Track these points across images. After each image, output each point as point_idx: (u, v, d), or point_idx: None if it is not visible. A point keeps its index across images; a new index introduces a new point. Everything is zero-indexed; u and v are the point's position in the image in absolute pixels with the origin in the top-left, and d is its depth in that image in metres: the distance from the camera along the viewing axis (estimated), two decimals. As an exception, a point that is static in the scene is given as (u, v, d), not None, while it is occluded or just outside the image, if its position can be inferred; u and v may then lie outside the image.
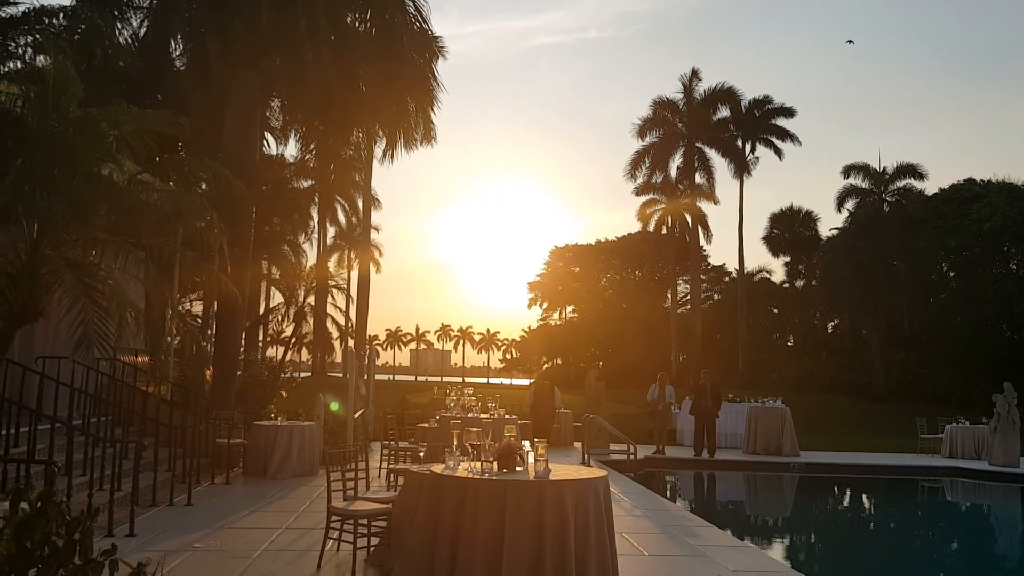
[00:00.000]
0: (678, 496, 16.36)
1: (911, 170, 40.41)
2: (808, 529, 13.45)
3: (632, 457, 16.82)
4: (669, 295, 51.73)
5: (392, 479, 10.40)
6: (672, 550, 8.18)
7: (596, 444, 17.22)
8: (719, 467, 18.59)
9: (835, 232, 44.92)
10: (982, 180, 42.89)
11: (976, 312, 38.67)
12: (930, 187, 42.67)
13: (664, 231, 48.44)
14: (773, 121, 45.45)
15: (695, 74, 45.17)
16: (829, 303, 45.41)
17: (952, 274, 42.74)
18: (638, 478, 15.06)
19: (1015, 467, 18.77)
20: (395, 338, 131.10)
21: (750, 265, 49.65)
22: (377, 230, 50.41)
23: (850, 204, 42.41)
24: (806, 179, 74.06)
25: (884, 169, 41.14)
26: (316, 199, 38.84)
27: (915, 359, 37.96)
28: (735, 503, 16.86)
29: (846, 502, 17.16)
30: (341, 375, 38.69)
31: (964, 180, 43.53)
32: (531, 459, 6.08)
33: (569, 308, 59.89)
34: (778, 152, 45.03)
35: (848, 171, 41.62)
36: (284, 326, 25.68)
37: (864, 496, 17.68)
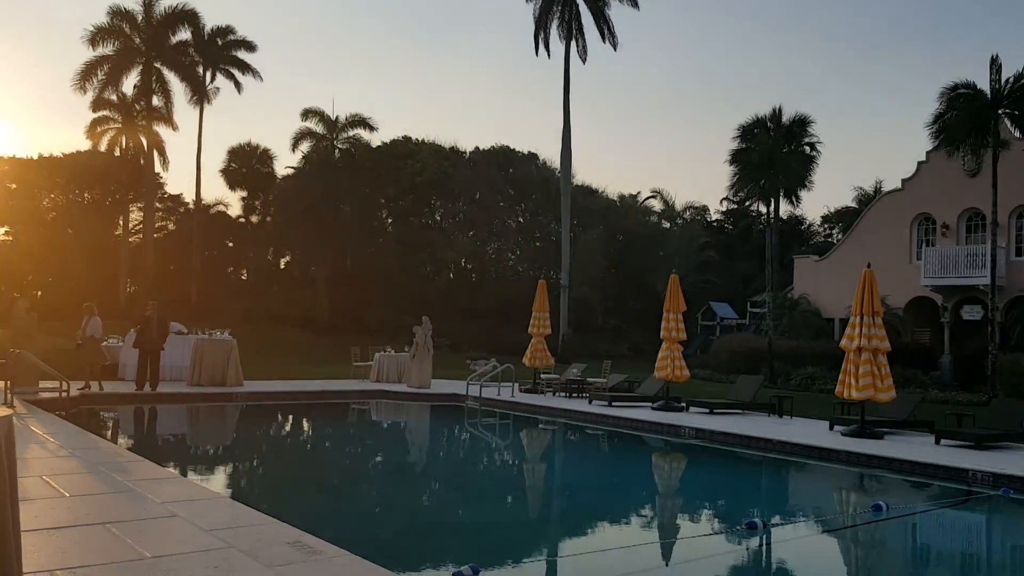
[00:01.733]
0: (115, 433, 15.55)
1: (362, 121, 43.82)
2: (249, 456, 14.08)
3: (65, 395, 15.49)
4: (121, 222, 47.72)
5: None
6: (98, 488, 7.87)
7: (25, 382, 15.43)
8: (161, 400, 18.16)
9: (290, 171, 46.46)
10: (416, 139, 48.62)
11: (407, 256, 44.15)
12: (376, 139, 46.94)
13: (118, 153, 44.34)
14: (235, 53, 44.64)
15: (156, -14, 41.76)
16: (282, 240, 47.03)
17: (390, 220, 47.89)
18: (71, 417, 13.92)
19: (427, 388, 22.22)
20: None
21: (207, 197, 48.38)
22: None
23: (305, 146, 44.31)
24: (266, 117, 74.75)
25: (338, 117, 43.84)
26: None
27: (355, 295, 41.73)
28: (175, 436, 16.72)
29: (286, 427, 18.31)
30: None
31: (402, 137, 48.79)
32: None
33: (1, 230, 50.99)
34: (238, 85, 44.51)
35: (306, 114, 43.32)
36: None
37: (303, 420, 19.09)
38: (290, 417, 19.24)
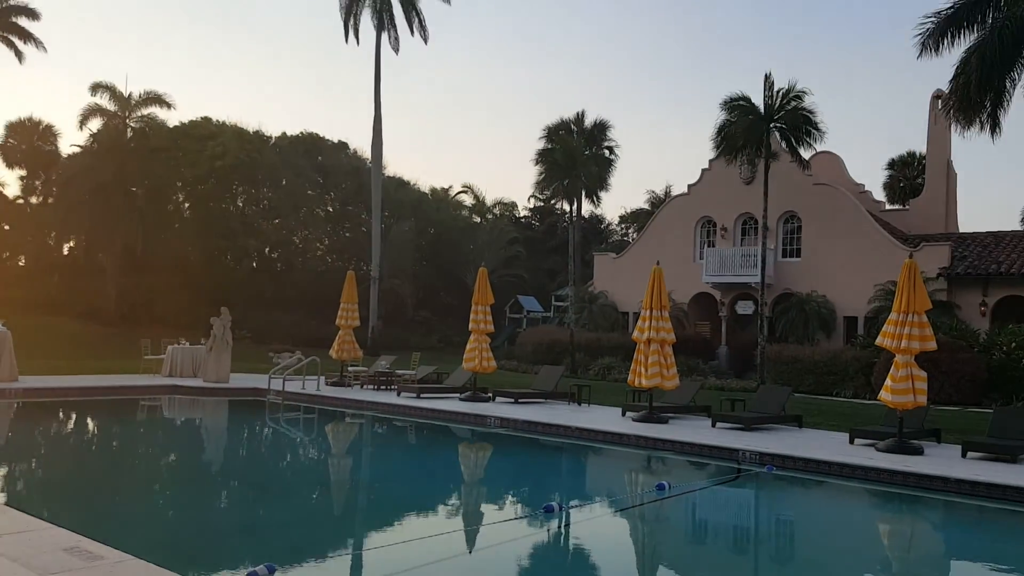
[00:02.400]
0: None
1: (157, 99, 40.92)
2: (25, 458, 12.86)
3: None
4: None
5: None
6: None
7: None
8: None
9: (77, 150, 42.63)
10: (219, 120, 46.15)
11: (205, 242, 41.82)
12: (173, 119, 44.03)
13: None
14: (15, 19, 40.19)
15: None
16: (66, 224, 43.05)
17: (187, 205, 45.15)
18: None
19: (225, 382, 21.29)
20: None
21: (-24, 174, 43.31)
22: None
23: (94, 124, 40.80)
24: (52, 91, 67.74)
25: (131, 94, 40.72)
26: None
27: (147, 284, 39.04)
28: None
29: (67, 426, 16.91)
30: None
31: (202, 118, 46.09)
32: None
33: None
34: (19, 55, 40.13)
35: (95, 89, 39.83)
36: None
37: (86, 418, 17.70)
38: (72, 415, 17.78)
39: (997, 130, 23.22)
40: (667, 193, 47.27)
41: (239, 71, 78.11)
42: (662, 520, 10.00)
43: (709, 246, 32.18)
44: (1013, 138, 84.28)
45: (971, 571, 8.55)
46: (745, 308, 30.61)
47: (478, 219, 52.49)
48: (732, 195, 31.56)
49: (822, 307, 28.10)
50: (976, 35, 22.99)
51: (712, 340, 31.33)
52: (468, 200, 53.88)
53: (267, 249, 45.28)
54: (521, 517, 9.72)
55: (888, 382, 12.99)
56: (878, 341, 13.80)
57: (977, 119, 23.09)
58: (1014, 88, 23.17)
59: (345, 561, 7.51)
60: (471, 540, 8.46)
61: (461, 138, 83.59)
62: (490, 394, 19.54)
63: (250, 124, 48.18)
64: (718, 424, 15.62)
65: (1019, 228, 33.58)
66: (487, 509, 10.52)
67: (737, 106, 25.99)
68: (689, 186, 33.49)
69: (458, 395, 19.51)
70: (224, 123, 45.44)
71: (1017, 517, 10.02)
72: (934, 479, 10.90)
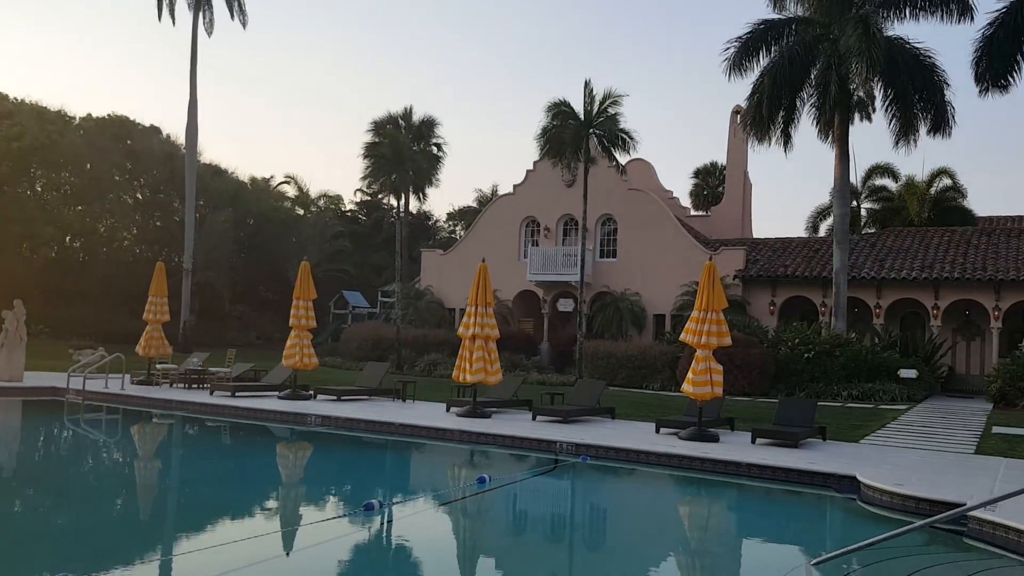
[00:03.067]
0: None
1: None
2: None
3: None
4: None
5: None
6: None
7: None
8: None
9: None
10: (16, 98, 41.96)
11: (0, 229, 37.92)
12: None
13: None
14: None
15: None
16: None
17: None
18: None
19: (19, 381, 19.53)
20: None
21: None
22: None
23: None
24: None
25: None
26: None
27: (-79, 274, 34.78)
28: None
29: None
30: None
31: (-6, 93, 41.72)
32: None
33: None
34: None
35: None
36: None
37: None
38: None
39: (789, 145, 25.68)
40: (494, 192, 48.16)
41: (39, 46, 71.38)
42: (482, 513, 10.28)
43: (533, 245, 33.16)
44: (802, 152, 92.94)
45: (757, 546, 9.48)
46: (566, 306, 31.84)
47: (301, 211, 50.98)
48: (555, 196, 32.71)
49: (635, 305, 29.77)
50: (770, 58, 25.27)
51: (535, 336, 32.33)
52: (291, 191, 52.22)
53: (68, 238, 41.67)
54: (340, 516, 9.67)
55: (689, 375, 14.05)
56: (681, 337, 14.89)
57: (769, 135, 25.38)
58: (803, 107, 25.70)
59: (152, 568, 7.17)
60: (287, 542, 8.32)
61: (284, 128, 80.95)
62: (311, 392, 19.16)
63: (52, 103, 44.21)
64: (538, 417, 16.21)
65: (804, 235, 37.15)
66: (305, 510, 10.35)
67: (560, 111, 26.98)
68: (515, 186, 34.33)
69: (277, 393, 18.97)
70: (23, 101, 41.47)
71: (799, 496, 11.17)
72: (728, 464, 11.93)
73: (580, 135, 26.79)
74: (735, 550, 9.34)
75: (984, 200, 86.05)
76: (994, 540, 8.06)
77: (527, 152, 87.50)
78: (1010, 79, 22.75)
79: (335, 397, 18.80)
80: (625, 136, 26.81)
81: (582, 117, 26.78)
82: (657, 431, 14.62)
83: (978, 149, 69.58)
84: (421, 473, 13.84)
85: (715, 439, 13.72)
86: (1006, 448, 13.74)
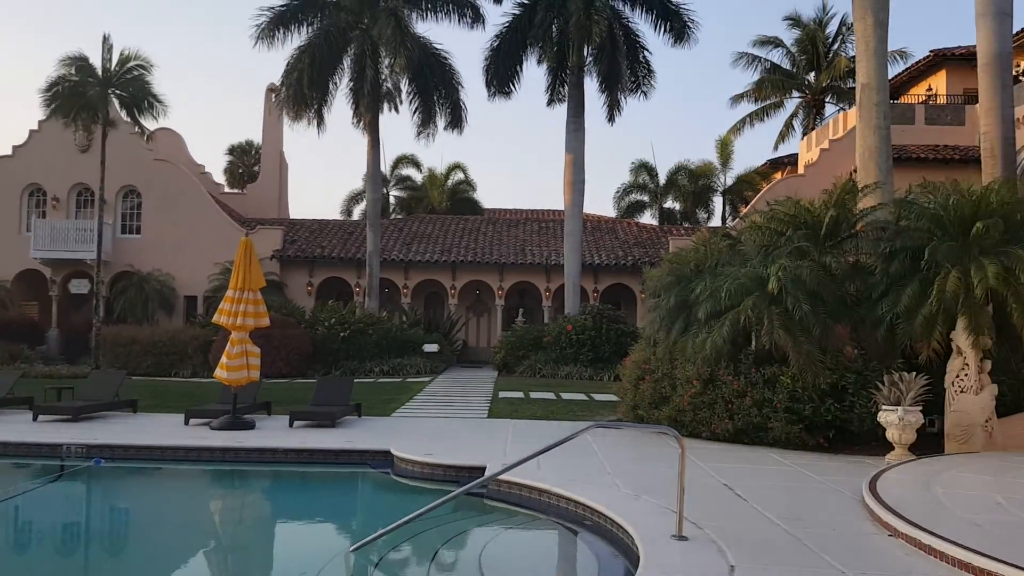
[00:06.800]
0: None
1: None
2: None
3: None
4: None
5: None
6: None
7: None
8: None
9: None
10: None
11: None
12: None
13: None
14: None
15: None
16: None
17: None
18: None
19: None
20: None
21: None
22: None
23: None
24: None
25: None
26: None
27: None
28: None
29: None
30: None
31: None
32: None
33: None
34: None
35: None
36: None
37: None
38: None
39: (323, 126, 26.12)
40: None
41: None
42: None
43: (40, 217, 28.61)
44: (339, 137, 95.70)
45: (296, 535, 9.30)
46: (80, 287, 28.13)
47: None
48: (66, 162, 28.63)
49: (164, 286, 27.56)
50: (306, 35, 25.29)
51: (41, 322, 28.05)
52: None
53: None
54: None
55: (224, 359, 13.29)
56: (215, 319, 14.01)
57: (306, 114, 25.48)
58: (336, 90, 26.26)
59: None
60: None
61: None
62: None
63: None
64: (41, 417, 13.92)
65: (340, 218, 38.24)
66: None
67: (78, 66, 23.58)
68: (15, 148, 29.18)
69: None
70: None
71: (336, 477, 11.25)
72: (264, 451, 11.55)
73: (99, 94, 23.69)
74: (271, 543, 9.05)
75: (490, 193, 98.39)
76: (509, 499, 9.02)
77: (30, 110, 75.42)
78: (511, 87, 26.20)
79: None
80: (153, 100, 24.39)
81: (100, 75, 23.71)
82: (187, 422, 13.60)
83: (487, 147, 79.08)
84: None
85: (251, 426, 13.22)
86: (512, 410, 15.72)
